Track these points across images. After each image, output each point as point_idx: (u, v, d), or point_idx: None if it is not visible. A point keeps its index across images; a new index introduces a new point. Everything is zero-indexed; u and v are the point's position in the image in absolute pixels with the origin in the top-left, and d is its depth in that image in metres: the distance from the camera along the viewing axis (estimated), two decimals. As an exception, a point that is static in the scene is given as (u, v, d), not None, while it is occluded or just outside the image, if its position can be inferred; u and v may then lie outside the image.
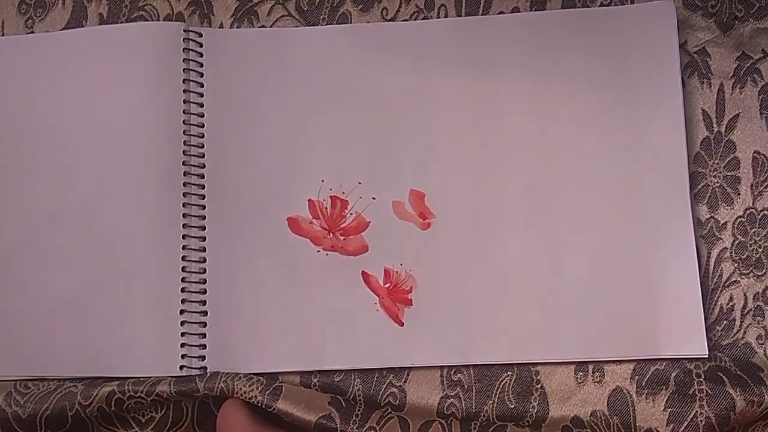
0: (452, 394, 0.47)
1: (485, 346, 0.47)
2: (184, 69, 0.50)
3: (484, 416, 0.47)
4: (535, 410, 0.47)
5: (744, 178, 0.49)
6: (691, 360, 0.46)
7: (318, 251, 0.48)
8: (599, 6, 0.50)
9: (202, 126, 0.50)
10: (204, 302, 0.48)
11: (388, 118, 0.50)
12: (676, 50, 0.49)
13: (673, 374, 0.46)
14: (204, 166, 0.49)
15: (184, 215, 0.48)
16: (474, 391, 0.47)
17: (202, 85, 0.50)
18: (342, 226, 0.49)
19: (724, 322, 0.47)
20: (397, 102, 0.50)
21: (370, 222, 0.49)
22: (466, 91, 0.50)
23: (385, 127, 0.49)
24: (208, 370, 0.47)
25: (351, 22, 0.51)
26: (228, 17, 0.52)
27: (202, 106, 0.50)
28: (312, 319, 0.47)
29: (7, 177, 0.50)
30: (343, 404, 0.46)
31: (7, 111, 0.50)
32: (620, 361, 0.46)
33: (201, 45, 0.51)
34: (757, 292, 0.47)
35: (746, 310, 0.47)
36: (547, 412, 0.47)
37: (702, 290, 0.47)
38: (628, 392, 0.46)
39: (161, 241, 0.48)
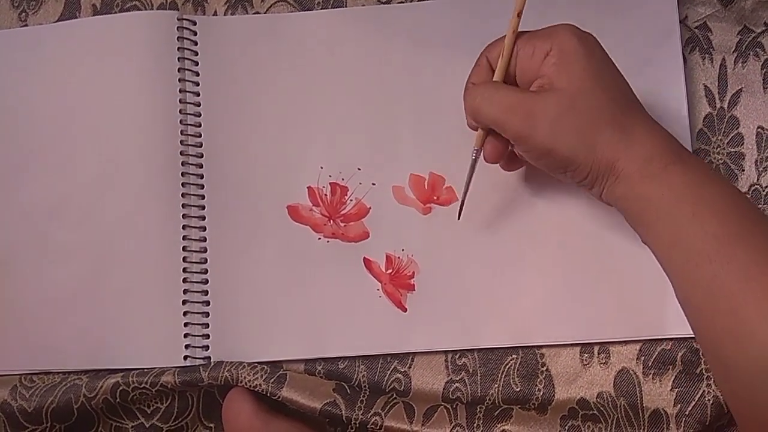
0: (457, 378, 0.47)
1: (489, 330, 0.47)
2: (179, 58, 0.49)
3: (489, 400, 0.46)
4: (541, 393, 0.46)
5: (748, 154, 0.48)
6: (697, 339, 0.46)
7: (319, 239, 0.48)
8: (598, -17, 0.50)
9: (199, 115, 0.49)
10: (206, 292, 0.48)
11: (386, 102, 0.49)
12: (676, 25, 0.48)
13: (680, 354, 0.46)
14: (202, 156, 0.49)
15: (183, 205, 0.48)
16: (479, 375, 0.47)
17: (197, 74, 0.50)
18: (342, 212, 0.48)
19: (731, 299, 0.47)
20: (395, 85, 0.49)
21: (370, 208, 0.48)
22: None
23: (383, 111, 0.49)
24: (212, 360, 0.47)
25: (346, 6, 0.51)
26: (222, 4, 0.51)
27: (198, 95, 0.49)
28: (314, 307, 0.47)
29: (4, 172, 0.49)
30: (348, 391, 0.46)
31: (1, 105, 0.50)
32: (626, 342, 0.46)
33: (195, 33, 0.50)
34: (764, 269, 0.47)
35: (753, 288, 0.47)
36: (553, 395, 0.46)
37: (707, 268, 0.46)
38: (635, 373, 0.46)
39: (161, 233, 0.48)
